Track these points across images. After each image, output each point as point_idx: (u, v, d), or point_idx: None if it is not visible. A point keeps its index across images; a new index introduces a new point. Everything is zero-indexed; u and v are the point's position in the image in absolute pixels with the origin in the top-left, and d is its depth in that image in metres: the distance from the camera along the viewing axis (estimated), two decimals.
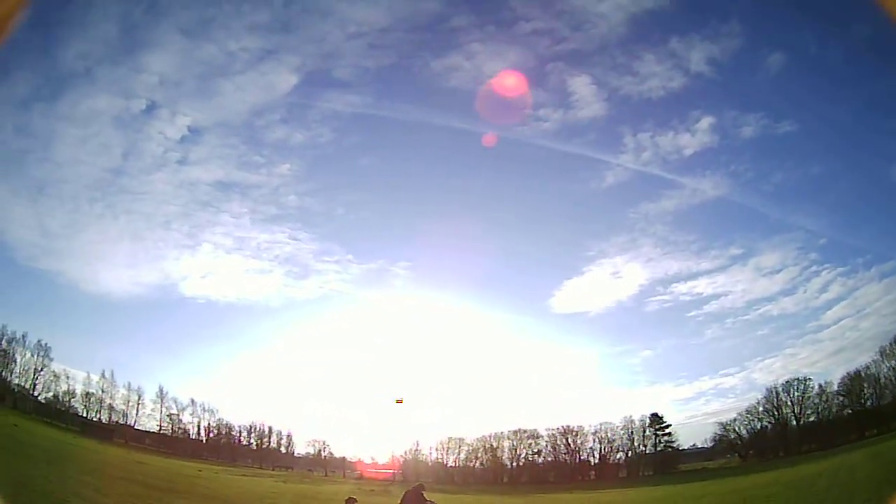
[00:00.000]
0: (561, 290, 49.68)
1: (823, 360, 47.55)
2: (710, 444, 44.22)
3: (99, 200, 42.15)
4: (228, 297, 47.02)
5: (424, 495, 20.39)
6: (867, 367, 37.34)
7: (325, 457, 44.72)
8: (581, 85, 42.87)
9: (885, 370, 36.18)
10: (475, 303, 49.87)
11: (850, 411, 37.21)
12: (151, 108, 40.40)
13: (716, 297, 45.91)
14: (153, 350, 45.75)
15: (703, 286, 45.84)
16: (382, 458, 44.54)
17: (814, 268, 42.58)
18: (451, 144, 46.02)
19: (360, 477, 42.27)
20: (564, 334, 50.54)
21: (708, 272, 45.93)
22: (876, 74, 37.84)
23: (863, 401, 37.04)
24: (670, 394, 49.00)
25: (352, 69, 41.17)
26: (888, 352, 36.12)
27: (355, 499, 18.78)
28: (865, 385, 36.84)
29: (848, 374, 38.29)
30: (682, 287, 46.19)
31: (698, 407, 46.49)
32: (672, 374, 53.04)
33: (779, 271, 44.27)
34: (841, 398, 38.08)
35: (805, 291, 43.20)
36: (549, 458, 46.79)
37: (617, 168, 44.70)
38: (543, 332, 51.25)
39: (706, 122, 43.39)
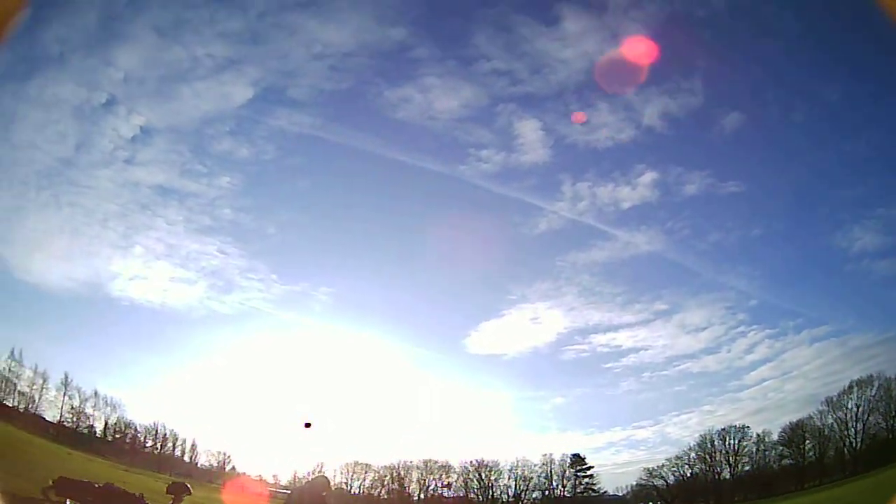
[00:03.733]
0: (478, 331, 48.19)
1: (742, 420, 46.34)
2: (625, 492, 42.12)
3: (46, 189, 40.34)
4: (153, 303, 44.74)
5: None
6: (809, 419, 35.78)
7: (227, 470, 42.56)
8: (529, 129, 42.17)
9: (830, 422, 34.31)
10: (391, 335, 49.54)
11: (790, 462, 35.00)
12: (111, 103, 39.35)
13: (635, 350, 44.32)
14: (74, 346, 43.52)
15: (622, 339, 44.23)
16: (284, 478, 42.29)
17: (741, 328, 41.52)
18: (391, 176, 45.41)
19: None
20: (478, 375, 50.06)
21: (629, 325, 44.69)
22: (833, 142, 38.50)
23: (803, 452, 34.87)
24: (581, 442, 48.40)
25: (308, 89, 40.36)
26: (835, 402, 34.25)
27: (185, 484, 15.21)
28: (807, 436, 34.74)
29: (790, 423, 36.69)
30: (601, 338, 44.57)
31: (608, 457, 45.79)
32: (583, 422, 52.84)
33: (703, 329, 43.17)
34: (780, 448, 36.18)
35: (729, 351, 42.04)
36: (460, 493, 43.35)
37: (551, 215, 43.77)
38: (457, 371, 50.96)
39: (649, 176, 42.71)
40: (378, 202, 47.71)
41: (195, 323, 45.45)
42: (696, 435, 39.73)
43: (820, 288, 43.10)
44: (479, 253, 46.25)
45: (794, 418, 36.85)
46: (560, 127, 41.96)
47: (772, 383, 39.54)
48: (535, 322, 46.26)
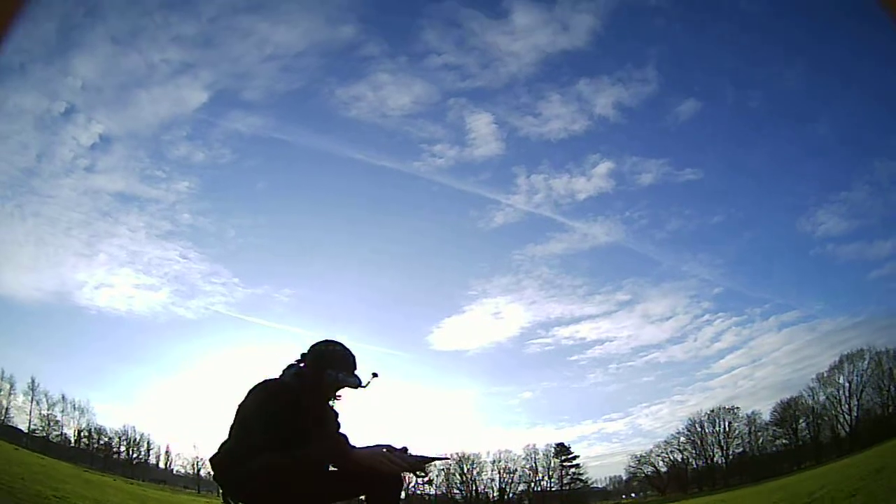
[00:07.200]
0: (440, 328, 50.76)
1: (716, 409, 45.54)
2: (605, 484, 41.83)
3: (10, 199, 40.62)
4: (119, 311, 46.47)
5: None
6: (801, 397, 35.08)
7: (203, 476, 40.73)
8: (481, 123, 42.86)
9: (823, 399, 33.56)
10: (355, 334, 49.35)
11: (784, 442, 34.11)
12: (70, 112, 39.78)
13: (600, 342, 45.62)
14: (44, 356, 45.05)
15: (586, 330, 45.24)
16: None
17: (706, 316, 41.83)
18: (346, 174, 46.72)
19: None
20: (443, 371, 51.37)
21: (592, 317, 46.39)
22: (791, 128, 38.49)
23: (797, 432, 34.14)
24: (552, 436, 47.43)
25: (261, 91, 44.03)
26: (826, 379, 33.44)
27: None
28: (800, 415, 34.01)
29: (780, 402, 35.98)
30: (564, 331, 45.09)
31: (581, 450, 46.17)
32: (553, 416, 54.06)
33: (668, 318, 44.11)
34: (773, 429, 35.39)
35: (696, 339, 42.77)
36: (441, 491, 41.57)
37: (507, 208, 44.06)
38: (423, 368, 52.45)
39: (604, 166, 43.04)
40: (335, 201, 48.15)
41: (161, 329, 46.38)
42: (671, 425, 40.32)
43: (785, 273, 43.36)
44: (437, 248, 47.42)
45: (781, 398, 36.25)
46: (512, 119, 43.21)
47: (742, 371, 40.29)
48: (496, 317, 46.93)
